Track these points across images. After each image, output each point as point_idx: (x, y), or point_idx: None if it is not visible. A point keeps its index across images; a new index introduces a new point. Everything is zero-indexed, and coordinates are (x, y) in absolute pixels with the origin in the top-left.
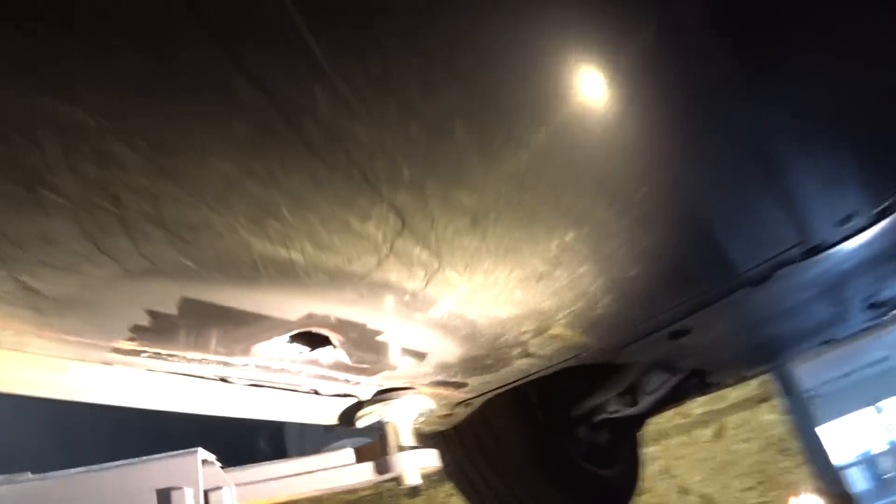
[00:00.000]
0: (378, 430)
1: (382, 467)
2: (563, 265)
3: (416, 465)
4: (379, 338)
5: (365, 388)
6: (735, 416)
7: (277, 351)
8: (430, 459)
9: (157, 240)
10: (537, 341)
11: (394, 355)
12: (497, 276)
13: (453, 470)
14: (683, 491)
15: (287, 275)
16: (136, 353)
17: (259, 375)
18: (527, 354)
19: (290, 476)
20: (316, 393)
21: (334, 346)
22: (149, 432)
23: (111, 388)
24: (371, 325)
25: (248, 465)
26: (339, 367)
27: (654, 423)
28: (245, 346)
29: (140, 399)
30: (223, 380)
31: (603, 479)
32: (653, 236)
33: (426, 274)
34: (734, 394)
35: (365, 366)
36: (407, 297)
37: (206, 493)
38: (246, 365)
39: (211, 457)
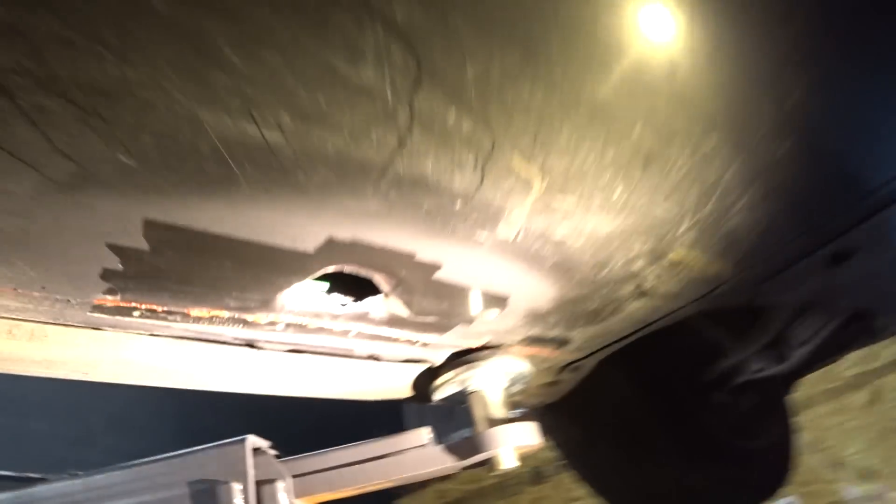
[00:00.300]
0: (460, 402)
1: (468, 448)
2: (680, 136)
3: (510, 443)
4: (438, 275)
5: (438, 349)
6: (892, 376)
7: (310, 303)
8: (528, 435)
9: (62, 119)
10: (654, 272)
11: (464, 301)
12: (584, 160)
13: (569, 451)
14: (837, 465)
15: (272, 173)
16: (126, 311)
17: (295, 337)
18: (642, 293)
19: (354, 464)
20: (375, 359)
21: (384, 294)
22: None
23: (105, 359)
24: (422, 256)
25: (306, 454)
26: (397, 322)
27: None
28: (263, 297)
29: (146, 374)
30: (250, 345)
31: (750, 454)
32: (812, 89)
33: (477, 159)
34: (886, 352)
35: (430, 318)
36: (458, 204)
37: (258, 486)
38: (273, 324)
39: (263, 444)
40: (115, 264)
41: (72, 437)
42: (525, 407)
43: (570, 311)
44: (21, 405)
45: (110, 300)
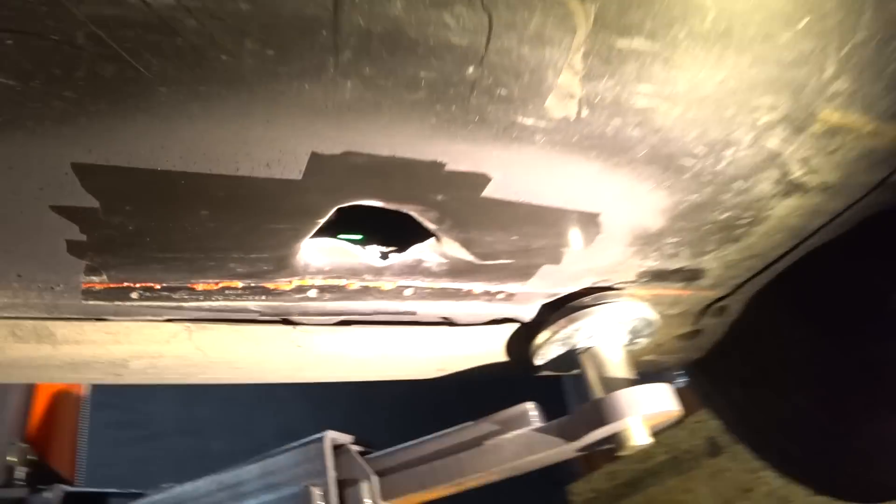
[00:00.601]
0: (568, 365)
1: (582, 423)
2: None
3: (638, 411)
4: (490, 193)
5: (526, 302)
6: None
7: (339, 259)
8: (660, 400)
9: None
10: (801, 150)
11: (539, 229)
12: None
13: (732, 419)
14: None
15: (186, 63)
16: (121, 294)
17: (336, 305)
18: (791, 187)
19: (445, 455)
20: (449, 323)
21: (434, 235)
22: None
23: (128, 355)
24: (455, 166)
25: (391, 449)
26: (462, 270)
27: None
28: (274, 256)
29: (181, 369)
30: (285, 320)
31: None
32: None
33: None
34: None
35: (504, 260)
36: (470, 70)
37: (341, 487)
38: (302, 289)
39: (345, 439)
40: (75, 233)
41: (248, 452)
42: (665, 368)
43: (693, 226)
44: (203, 426)
45: (97, 281)
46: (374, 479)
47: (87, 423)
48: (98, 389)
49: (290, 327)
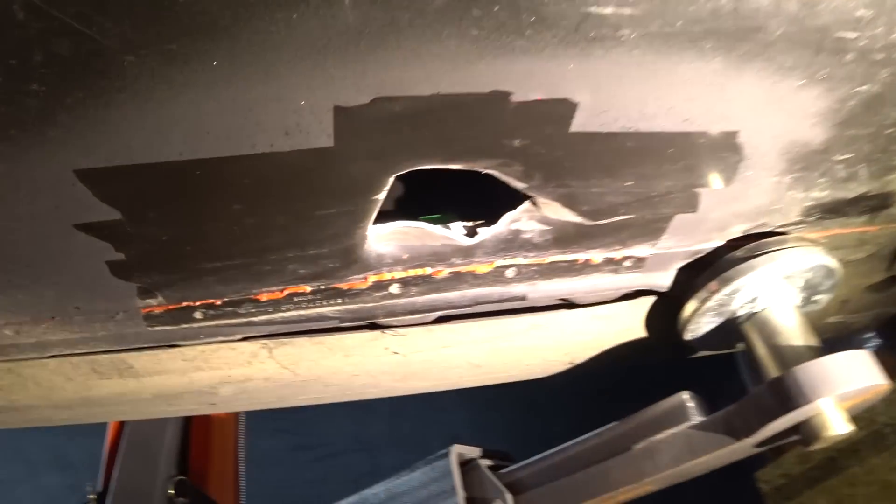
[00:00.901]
0: (729, 339)
1: (757, 412)
2: None
3: (833, 390)
4: (582, 126)
5: (661, 266)
6: None
7: (414, 242)
8: (860, 373)
9: None
10: None
11: (659, 165)
12: None
13: None
14: None
15: (142, 14)
16: (184, 316)
17: (425, 300)
18: None
19: (588, 466)
20: (569, 305)
21: (529, 198)
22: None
23: (216, 380)
24: (525, 92)
25: (526, 461)
26: (573, 236)
27: None
28: (338, 248)
29: (273, 392)
30: (372, 324)
31: None
32: None
33: None
34: None
35: (623, 215)
36: None
37: None
38: (381, 286)
39: (474, 453)
40: (111, 253)
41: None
42: (856, 330)
43: (870, 132)
44: (373, 442)
45: (155, 304)
46: (509, 497)
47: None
48: (272, 416)
49: (378, 332)
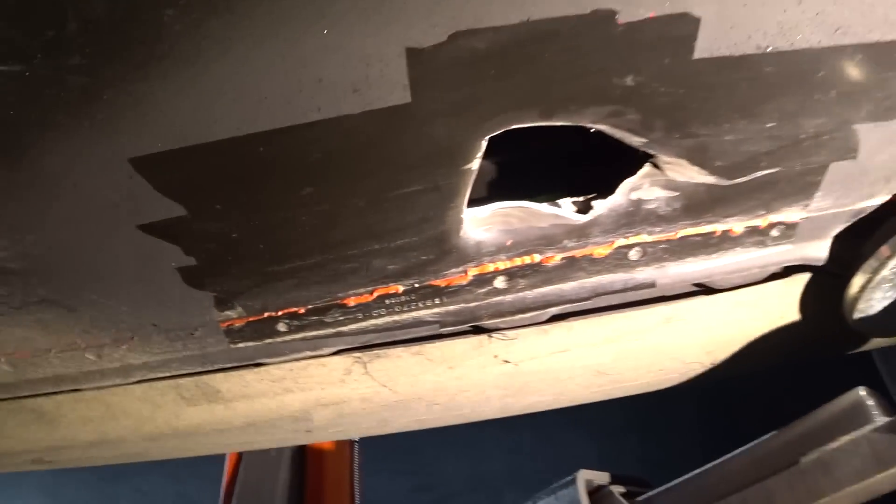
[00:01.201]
0: None
1: None
2: None
3: None
4: (707, 51)
5: (814, 233)
6: None
7: (524, 221)
8: None
9: None
10: None
11: (807, 97)
12: None
13: None
14: None
15: None
16: (267, 328)
17: (536, 294)
18: None
19: (741, 489)
20: (706, 290)
21: (650, 157)
22: None
23: (310, 403)
24: (630, 12)
25: (668, 485)
26: (706, 202)
27: None
28: (428, 237)
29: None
30: (476, 328)
31: None
32: None
33: None
34: None
35: (767, 171)
36: None
37: None
38: (483, 280)
39: (602, 479)
40: (180, 256)
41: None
42: None
43: None
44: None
45: (235, 317)
46: None
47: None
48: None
49: (484, 337)
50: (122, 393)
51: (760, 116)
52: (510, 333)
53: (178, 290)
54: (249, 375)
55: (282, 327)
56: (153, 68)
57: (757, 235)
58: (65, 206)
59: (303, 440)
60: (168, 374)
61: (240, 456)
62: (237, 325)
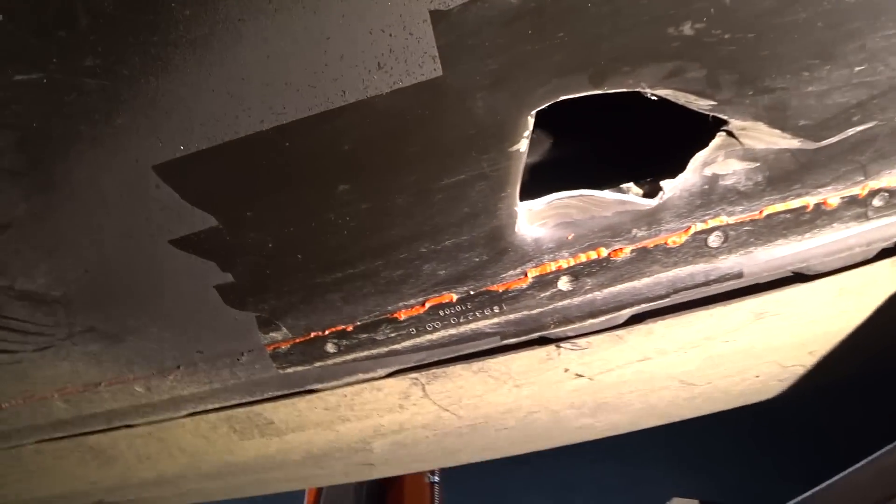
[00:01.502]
0: None
1: None
2: None
3: None
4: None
5: None
6: None
7: (586, 210)
8: None
9: None
10: None
11: None
12: None
13: None
14: None
15: None
16: (316, 350)
17: (609, 292)
18: None
19: None
20: (802, 278)
21: (722, 123)
22: None
23: (356, 438)
24: None
25: None
26: (794, 174)
27: None
28: (482, 235)
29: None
30: (543, 339)
31: None
32: None
33: None
34: None
35: (860, 127)
36: None
37: None
38: (545, 282)
39: None
40: (217, 273)
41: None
42: None
43: None
44: None
45: (280, 339)
46: None
47: None
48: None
49: (551, 348)
50: (174, 428)
51: (846, 58)
52: (581, 342)
53: (218, 312)
54: (302, 404)
55: (330, 348)
56: (169, 60)
57: (856, 207)
58: (96, 224)
59: (365, 475)
60: (218, 406)
61: (319, 493)
62: (283, 347)
